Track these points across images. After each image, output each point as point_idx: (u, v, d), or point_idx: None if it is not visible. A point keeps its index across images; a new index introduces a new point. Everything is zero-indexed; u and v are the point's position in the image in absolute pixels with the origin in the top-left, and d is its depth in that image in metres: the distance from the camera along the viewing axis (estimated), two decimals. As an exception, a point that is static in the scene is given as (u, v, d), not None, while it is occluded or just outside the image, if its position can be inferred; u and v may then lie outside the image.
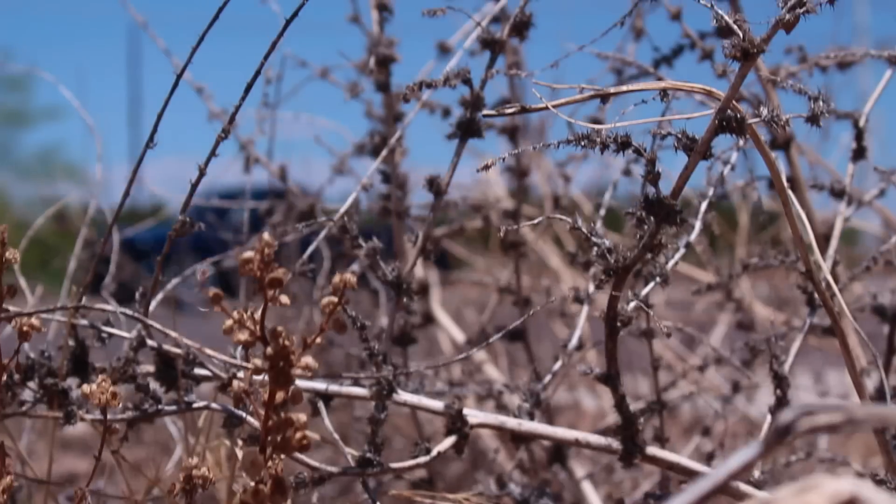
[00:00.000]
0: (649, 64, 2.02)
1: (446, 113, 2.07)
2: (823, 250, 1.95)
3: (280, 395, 1.21)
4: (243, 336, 1.20)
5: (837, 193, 1.78)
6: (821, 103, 1.43)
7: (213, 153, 1.68)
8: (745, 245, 3.07)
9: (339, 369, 2.25)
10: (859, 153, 1.78)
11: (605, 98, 1.41)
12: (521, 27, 1.60)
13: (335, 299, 1.20)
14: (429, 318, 2.43)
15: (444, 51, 2.37)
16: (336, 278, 1.19)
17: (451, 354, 2.48)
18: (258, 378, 1.23)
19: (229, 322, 1.21)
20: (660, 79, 1.86)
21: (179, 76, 1.61)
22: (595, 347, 2.13)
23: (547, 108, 1.40)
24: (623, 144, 1.40)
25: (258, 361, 1.20)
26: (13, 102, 21.38)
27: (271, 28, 1.48)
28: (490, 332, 2.23)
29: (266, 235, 1.18)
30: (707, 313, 3.19)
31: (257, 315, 1.21)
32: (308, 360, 1.20)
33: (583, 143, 1.38)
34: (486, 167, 1.33)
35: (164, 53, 2.45)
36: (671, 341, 3.48)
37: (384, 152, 1.75)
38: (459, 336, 2.40)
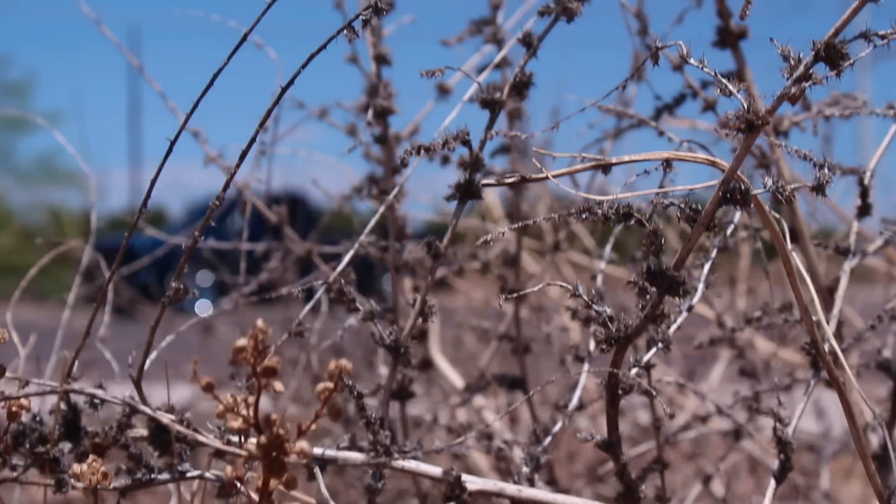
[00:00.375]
0: (650, 113, 2.00)
1: (445, 160, 2.04)
2: (829, 304, 1.93)
3: (274, 482, 1.19)
4: (237, 423, 1.17)
5: (842, 252, 1.75)
6: (826, 171, 1.40)
7: (219, 199, 1.66)
8: (746, 279, 3.05)
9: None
10: (864, 210, 1.76)
11: (605, 168, 1.38)
12: (521, 87, 1.58)
13: (330, 385, 1.18)
14: (427, 363, 2.40)
15: (444, 92, 2.34)
16: (331, 365, 1.16)
17: (450, 392, 2.45)
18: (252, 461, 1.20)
19: (222, 408, 1.18)
20: (661, 133, 1.84)
21: (180, 130, 1.58)
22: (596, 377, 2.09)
23: (547, 178, 1.38)
24: (625, 216, 1.37)
25: (252, 447, 1.17)
26: (12, 108, 21.36)
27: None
28: (489, 376, 2.20)
29: (259, 322, 1.15)
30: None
31: (251, 399, 1.19)
32: (303, 445, 1.18)
33: (584, 215, 1.35)
34: (486, 242, 1.30)
35: (161, 97, 2.42)
36: (672, 369, 3.45)
37: (381, 208, 1.73)
38: (458, 381, 2.37)
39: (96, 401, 1.59)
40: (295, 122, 2.60)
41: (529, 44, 1.59)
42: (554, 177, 1.36)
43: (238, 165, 1.65)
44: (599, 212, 1.36)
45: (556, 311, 3.25)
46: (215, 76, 1.57)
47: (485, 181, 1.45)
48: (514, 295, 1.92)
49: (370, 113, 1.89)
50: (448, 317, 3.79)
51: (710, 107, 1.94)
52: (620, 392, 1.49)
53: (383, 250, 1.95)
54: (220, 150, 2.50)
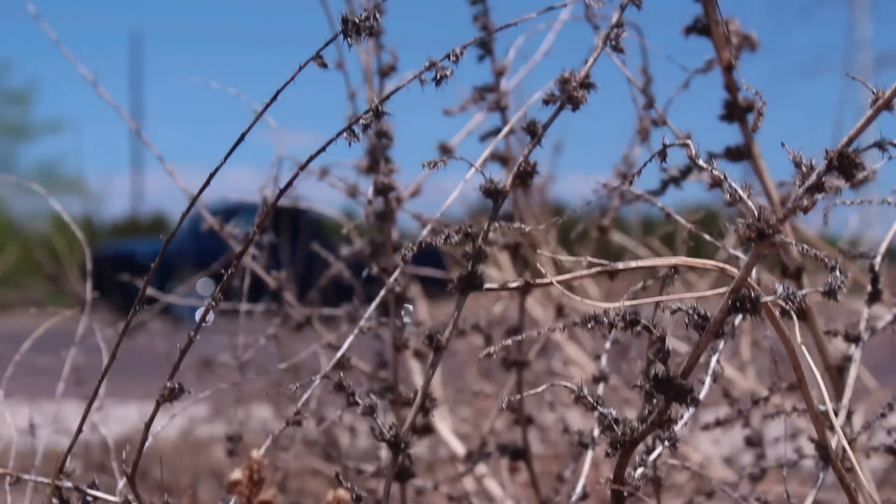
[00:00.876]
0: (656, 183, 1.96)
1: (446, 239, 2.01)
2: (837, 383, 1.89)
3: None
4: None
5: (852, 339, 1.72)
6: (838, 274, 1.37)
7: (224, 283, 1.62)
8: (749, 346, 3.01)
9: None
10: (875, 296, 1.72)
11: (612, 274, 1.35)
12: (526, 176, 1.54)
13: (328, 515, 1.14)
14: (428, 429, 2.37)
15: (445, 151, 2.31)
16: (329, 496, 1.13)
17: (451, 458, 2.42)
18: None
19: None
20: (663, 210, 1.80)
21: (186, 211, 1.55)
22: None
23: (551, 283, 1.34)
24: (631, 323, 1.34)
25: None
26: (14, 116, 21.34)
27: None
28: (491, 445, 2.17)
29: (254, 453, 1.12)
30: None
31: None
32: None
33: (590, 324, 1.32)
34: (489, 355, 1.27)
35: (160, 159, 2.40)
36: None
37: (381, 295, 1.69)
38: (460, 449, 2.34)
39: (89, 498, 1.56)
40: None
41: (534, 132, 1.55)
42: (558, 282, 1.33)
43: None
44: (606, 320, 1.32)
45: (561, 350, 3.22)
46: (232, 149, 1.54)
47: (488, 285, 1.41)
48: (516, 366, 1.89)
49: (371, 190, 1.86)
50: (449, 356, 3.75)
51: (717, 184, 1.90)
52: (626, 494, 1.46)
53: (382, 323, 1.92)
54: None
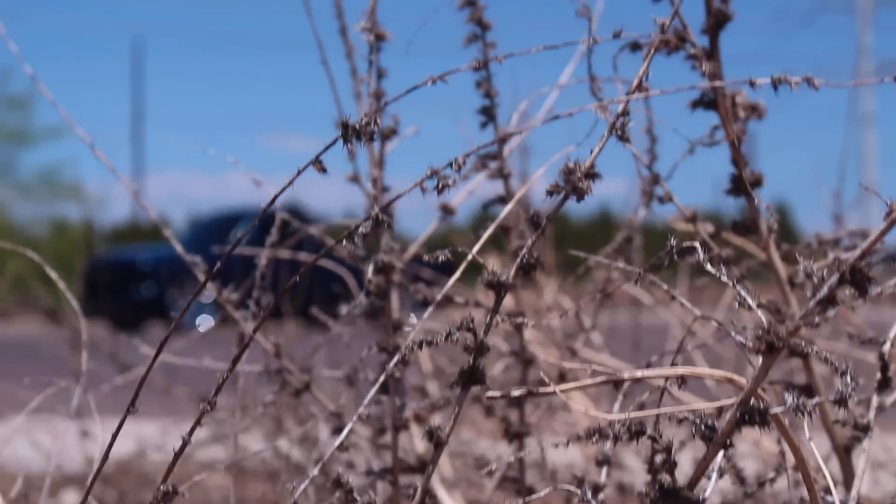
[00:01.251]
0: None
1: (447, 336, 1.97)
2: (845, 464, 1.86)
3: None
4: None
5: (862, 429, 1.68)
6: (849, 380, 1.33)
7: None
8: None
9: None
10: (885, 384, 1.69)
11: (617, 384, 1.32)
12: (529, 268, 1.51)
13: None
14: (428, 494, 2.33)
15: (448, 212, 2.28)
16: None
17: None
18: None
19: None
20: (668, 292, 1.77)
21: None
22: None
23: (555, 392, 1.31)
24: (637, 433, 1.30)
25: None
26: (15, 122, 21.32)
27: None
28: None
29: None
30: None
31: None
32: None
33: (595, 437, 1.29)
34: (490, 473, 1.23)
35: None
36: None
37: (382, 378, 1.66)
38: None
39: None
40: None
41: (538, 224, 1.52)
42: (562, 391, 1.30)
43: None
44: (611, 432, 1.29)
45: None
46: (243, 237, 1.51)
47: (490, 393, 1.38)
48: (518, 436, 1.86)
49: (371, 269, 1.82)
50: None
51: (725, 262, 1.87)
52: None
53: (380, 402, 1.88)
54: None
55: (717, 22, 1.77)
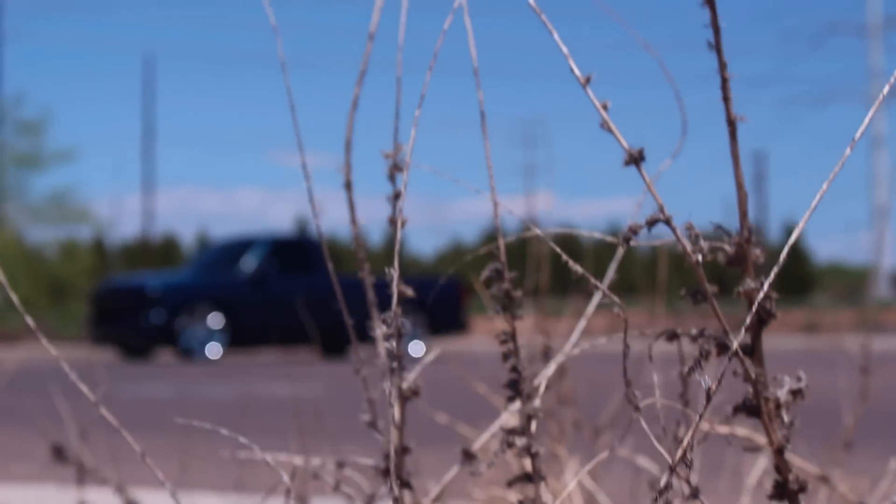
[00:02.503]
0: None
1: None
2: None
3: None
4: None
5: None
6: None
7: None
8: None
9: None
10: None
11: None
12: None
13: None
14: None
15: (469, 458, 2.21)
16: None
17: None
18: None
19: None
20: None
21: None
22: None
23: None
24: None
25: None
26: (27, 146, 21.35)
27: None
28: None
29: None
30: None
31: None
32: None
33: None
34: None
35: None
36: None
37: None
38: None
39: None
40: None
41: None
42: None
43: None
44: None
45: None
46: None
47: None
48: None
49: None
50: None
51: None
52: None
53: None
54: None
55: (759, 320, 1.70)
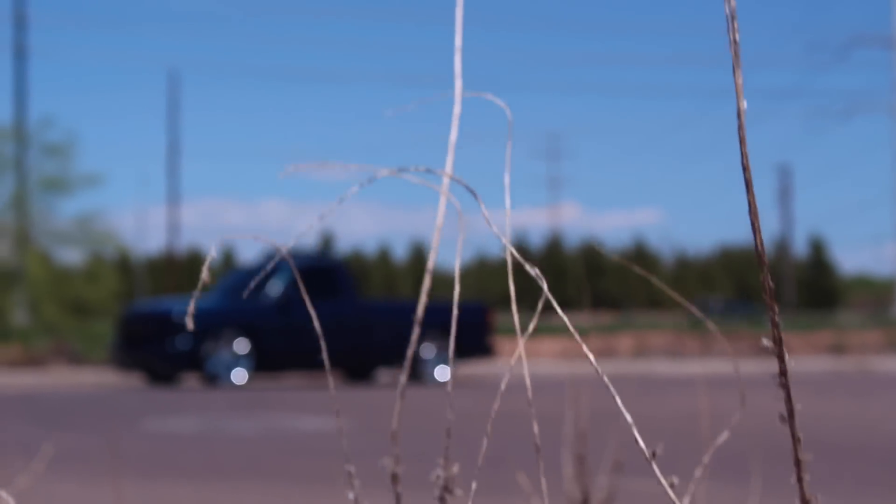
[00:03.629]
0: None
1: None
2: None
3: None
4: None
5: None
6: None
7: None
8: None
9: None
10: None
11: None
12: None
13: None
14: None
15: None
16: None
17: None
18: None
19: None
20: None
21: None
22: None
23: None
24: None
25: None
26: (54, 169, 21.42)
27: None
28: None
29: None
30: None
31: None
32: None
33: None
34: None
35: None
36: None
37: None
38: None
39: None
40: None
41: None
42: None
43: None
44: None
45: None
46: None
47: None
48: None
49: None
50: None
51: None
52: None
53: None
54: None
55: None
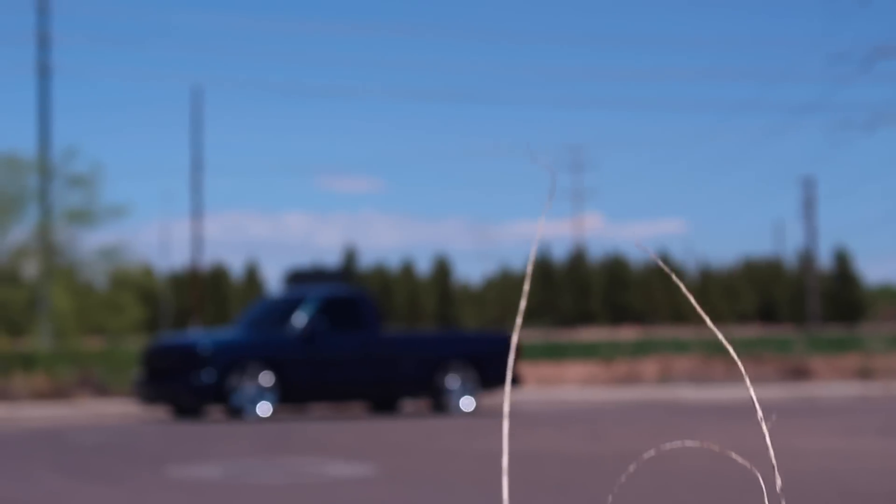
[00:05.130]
0: None
1: None
2: None
3: None
4: None
5: None
6: None
7: None
8: None
9: None
10: None
11: None
12: None
13: None
14: None
15: None
16: None
17: None
18: None
19: None
20: None
21: None
22: None
23: None
24: None
25: None
26: (78, 201, 21.49)
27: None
28: None
29: None
30: None
31: None
32: None
33: None
34: None
35: None
36: None
37: None
38: None
39: None
40: None
41: None
42: None
43: None
44: None
45: None
46: None
47: None
48: None
49: None
50: None
51: None
52: None
53: None
54: None
55: None
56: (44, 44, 50.62)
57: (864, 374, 24.48)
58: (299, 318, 18.42)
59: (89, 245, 22.01)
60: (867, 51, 65.09)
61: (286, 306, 19.03)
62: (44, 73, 49.93)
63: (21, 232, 21.25)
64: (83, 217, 21.28)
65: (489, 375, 19.45)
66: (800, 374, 24.29)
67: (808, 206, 78.25)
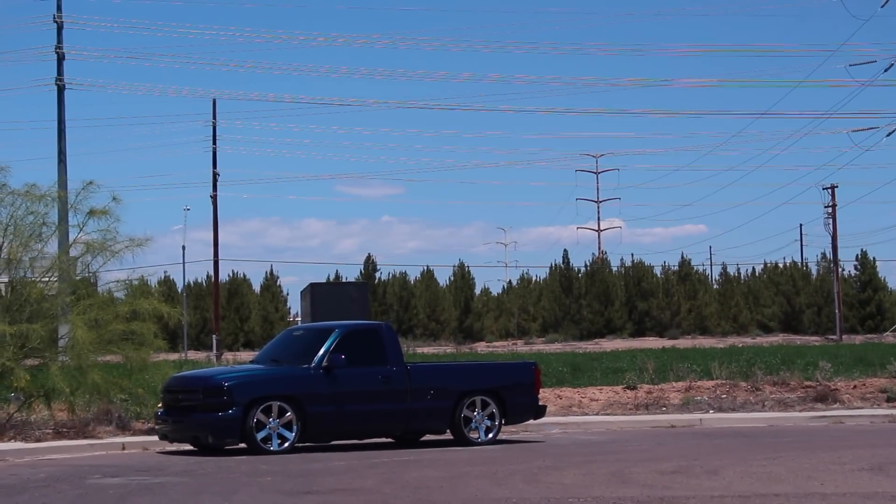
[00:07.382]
0: None
1: None
2: None
3: None
4: None
5: None
6: None
7: None
8: None
9: None
10: None
11: None
12: None
13: None
14: None
15: None
16: None
17: None
18: None
19: None
20: None
21: None
22: None
23: None
24: None
25: None
26: (98, 234, 21.39)
27: None
28: None
29: None
30: None
31: None
32: None
33: None
34: None
35: None
36: None
37: None
38: None
39: None
40: None
41: None
42: None
43: None
44: None
45: None
46: None
47: None
48: None
49: None
50: None
51: None
52: None
53: None
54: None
55: None
56: (61, 62, 50.82)
57: (891, 400, 24.24)
58: (320, 353, 18.25)
59: (109, 277, 21.88)
60: (889, 57, 64.67)
61: (307, 340, 18.87)
62: (60, 92, 50.04)
63: (40, 264, 21.14)
64: (103, 249, 21.19)
65: (512, 406, 19.25)
66: (825, 398, 24.03)
67: (831, 213, 77.81)
